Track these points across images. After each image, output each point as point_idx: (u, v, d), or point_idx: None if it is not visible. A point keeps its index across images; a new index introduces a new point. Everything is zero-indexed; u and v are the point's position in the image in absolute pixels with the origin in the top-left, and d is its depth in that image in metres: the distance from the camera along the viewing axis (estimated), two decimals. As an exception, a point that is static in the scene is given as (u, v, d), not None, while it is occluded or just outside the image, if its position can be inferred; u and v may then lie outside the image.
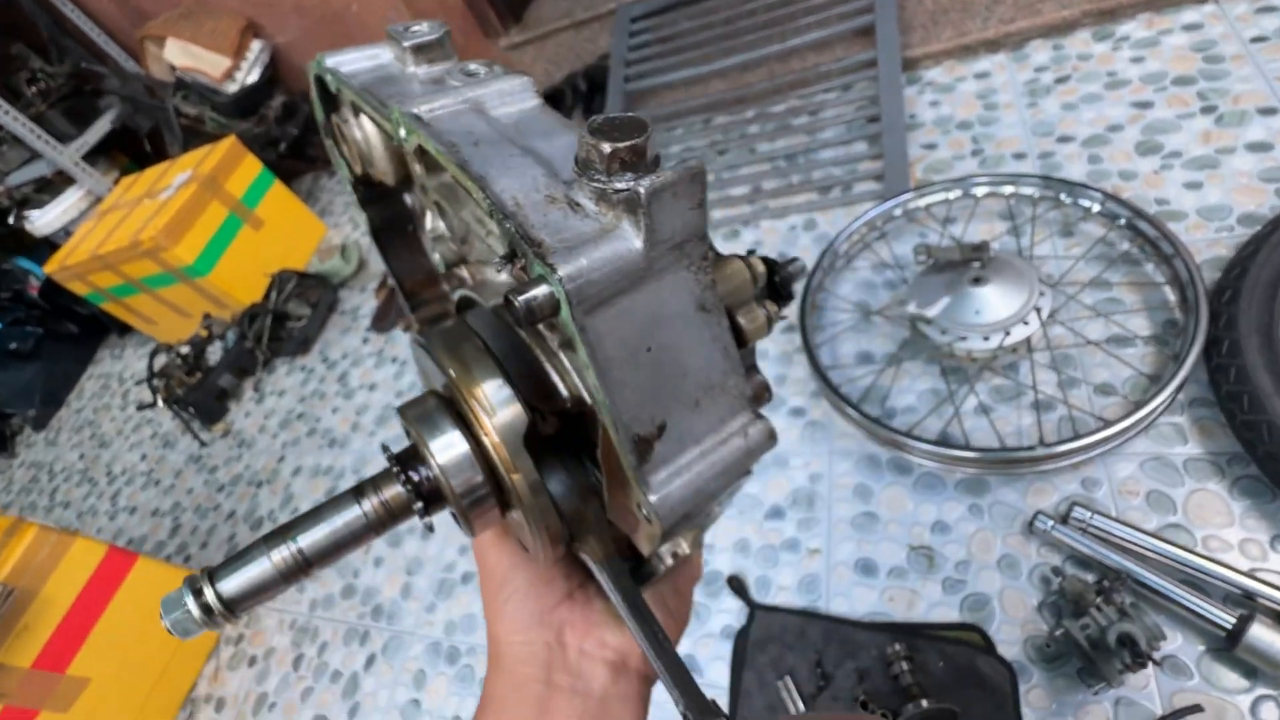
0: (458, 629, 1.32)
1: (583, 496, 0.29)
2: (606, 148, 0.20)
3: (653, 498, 0.24)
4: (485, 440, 0.27)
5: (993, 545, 1.02)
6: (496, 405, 0.26)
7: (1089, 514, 0.96)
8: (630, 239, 0.21)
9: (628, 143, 0.20)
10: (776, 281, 0.28)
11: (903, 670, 0.94)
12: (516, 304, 0.20)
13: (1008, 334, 1.11)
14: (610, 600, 0.31)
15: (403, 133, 0.27)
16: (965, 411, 1.13)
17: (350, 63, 0.31)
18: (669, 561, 0.34)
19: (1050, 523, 0.98)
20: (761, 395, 0.28)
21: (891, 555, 1.07)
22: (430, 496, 0.28)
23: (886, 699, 0.96)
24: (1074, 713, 0.88)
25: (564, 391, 0.26)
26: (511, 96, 0.28)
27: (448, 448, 0.27)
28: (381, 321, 2.00)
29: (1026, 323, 1.12)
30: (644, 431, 0.23)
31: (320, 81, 0.34)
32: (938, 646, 0.97)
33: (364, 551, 1.54)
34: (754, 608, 1.10)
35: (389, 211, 0.37)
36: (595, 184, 0.21)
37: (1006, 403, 1.13)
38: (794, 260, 0.30)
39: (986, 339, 1.12)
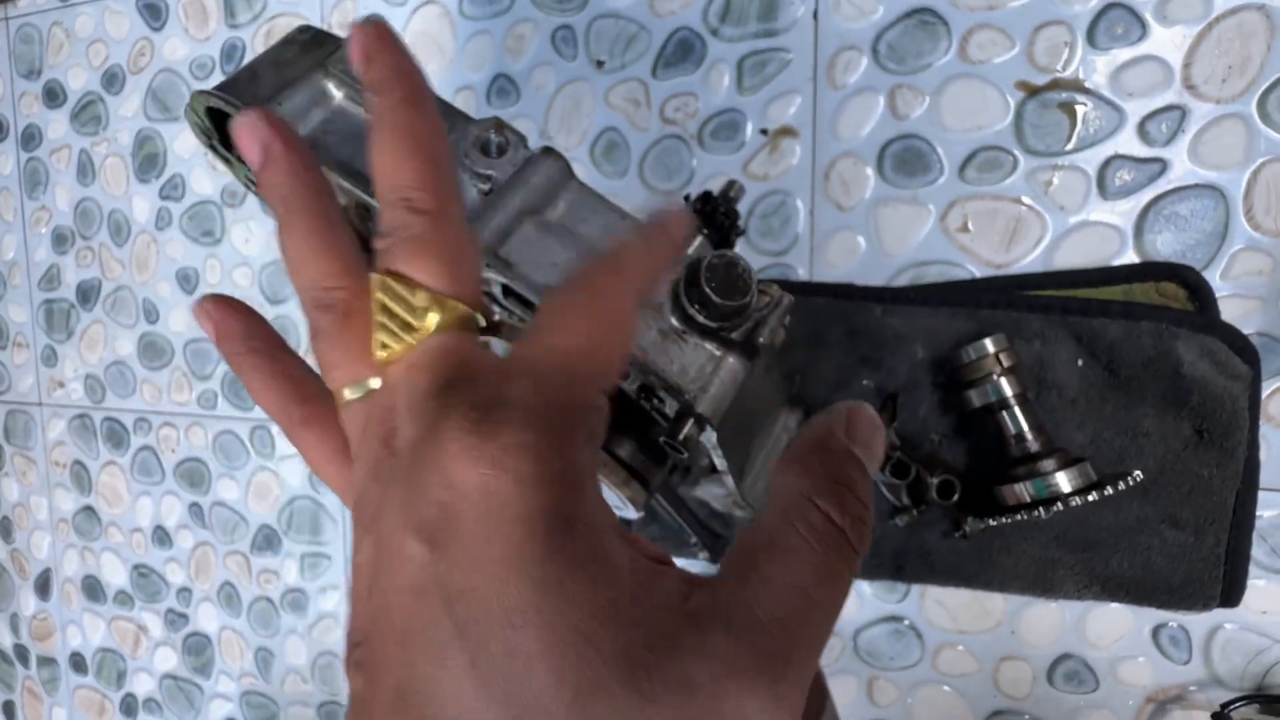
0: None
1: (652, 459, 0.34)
2: (727, 307, 0.25)
3: (748, 500, 0.34)
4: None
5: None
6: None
7: None
8: (743, 362, 0.27)
9: (740, 302, 0.26)
10: (722, 214, 0.33)
11: (993, 380, 0.39)
12: (677, 442, 0.25)
13: None
14: None
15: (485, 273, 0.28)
16: None
17: (296, 110, 0.29)
18: None
19: None
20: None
21: (979, 123, 0.43)
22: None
23: (946, 449, 0.43)
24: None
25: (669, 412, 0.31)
26: (559, 187, 0.29)
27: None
28: None
29: None
30: (740, 466, 0.32)
31: (216, 113, 0.30)
32: (1076, 325, 0.40)
33: None
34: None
35: None
36: (705, 325, 0.26)
37: None
38: (731, 183, 0.34)
39: None
